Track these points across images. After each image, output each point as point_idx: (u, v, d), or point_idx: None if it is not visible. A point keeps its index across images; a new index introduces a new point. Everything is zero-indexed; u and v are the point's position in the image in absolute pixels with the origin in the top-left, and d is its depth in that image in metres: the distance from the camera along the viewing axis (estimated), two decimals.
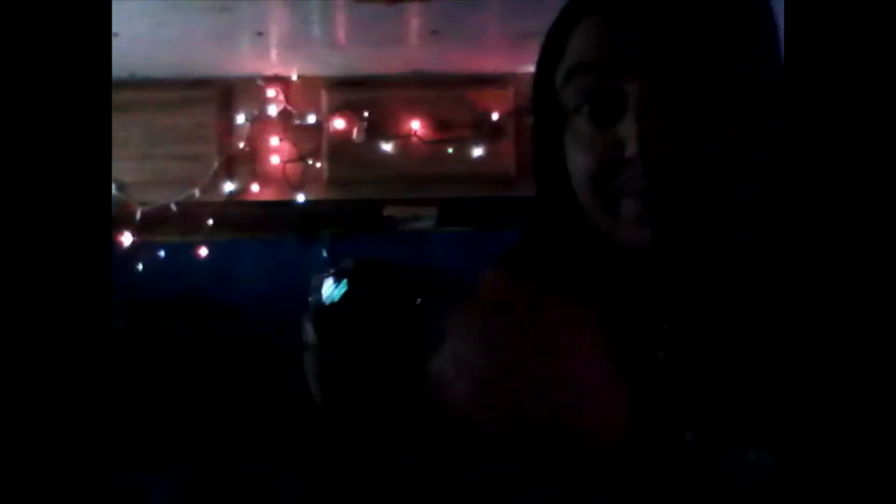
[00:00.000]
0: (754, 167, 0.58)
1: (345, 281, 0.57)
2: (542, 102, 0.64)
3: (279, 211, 2.38)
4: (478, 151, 2.34)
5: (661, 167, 0.56)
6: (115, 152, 1.98)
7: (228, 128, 2.37)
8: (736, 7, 0.58)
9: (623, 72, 0.56)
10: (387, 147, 2.35)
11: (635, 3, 0.57)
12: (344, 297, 0.57)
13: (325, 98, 2.36)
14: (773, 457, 0.51)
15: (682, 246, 0.58)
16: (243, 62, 2.26)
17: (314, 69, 2.31)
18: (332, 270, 0.57)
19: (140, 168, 2.31)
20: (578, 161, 0.61)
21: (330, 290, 0.57)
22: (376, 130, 2.35)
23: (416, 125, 2.35)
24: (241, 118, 2.36)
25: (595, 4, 0.59)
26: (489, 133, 2.35)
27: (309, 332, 0.59)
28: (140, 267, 2.34)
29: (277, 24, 2.03)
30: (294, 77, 2.32)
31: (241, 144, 2.35)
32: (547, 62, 0.63)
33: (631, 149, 0.56)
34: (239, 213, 2.39)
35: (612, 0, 0.58)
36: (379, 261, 0.58)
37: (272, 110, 2.34)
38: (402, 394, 0.59)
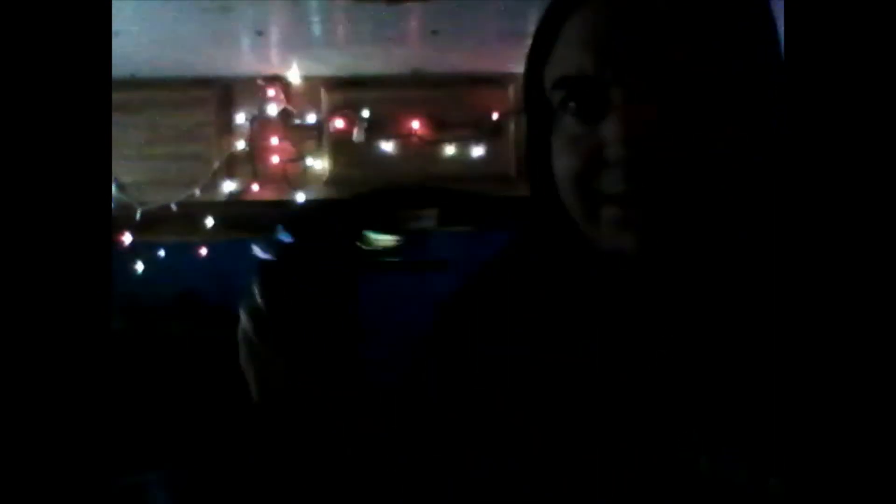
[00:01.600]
0: (751, 168, 0.56)
1: (283, 237, 0.57)
2: (532, 100, 0.62)
3: (279, 211, 2.38)
4: (478, 151, 2.34)
5: (644, 171, 0.53)
6: (116, 152, 1.98)
7: (228, 128, 2.37)
8: (732, 5, 0.56)
9: (609, 70, 0.54)
10: (387, 147, 2.35)
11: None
12: (283, 251, 0.57)
13: (325, 98, 2.36)
14: (776, 472, 0.50)
15: (668, 252, 0.56)
16: (243, 62, 2.25)
17: (314, 69, 2.31)
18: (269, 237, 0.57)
19: (140, 168, 2.31)
20: (561, 160, 0.58)
21: (269, 247, 0.58)
22: (376, 130, 2.35)
23: (416, 125, 2.35)
24: (241, 118, 2.35)
25: None
26: (489, 133, 2.35)
27: (243, 318, 0.59)
28: (140, 267, 2.34)
29: (277, 24, 2.03)
30: (294, 77, 2.32)
31: (241, 144, 2.35)
32: (536, 58, 0.61)
33: (612, 150, 0.53)
34: (239, 213, 2.39)
35: None
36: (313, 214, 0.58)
37: (272, 110, 2.34)
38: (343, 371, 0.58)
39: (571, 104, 0.57)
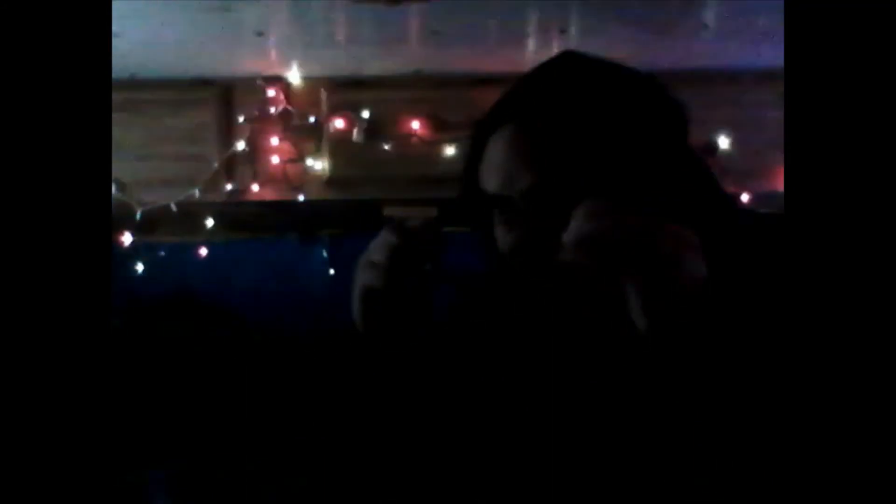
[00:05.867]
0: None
1: None
2: (469, 194, 0.76)
3: (279, 211, 2.38)
4: None
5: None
6: (115, 152, 1.98)
7: (228, 128, 2.36)
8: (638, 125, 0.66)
9: (513, 189, 0.68)
10: (387, 147, 2.35)
11: (544, 119, 0.65)
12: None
13: (325, 98, 2.36)
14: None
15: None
16: (243, 62, 2.25)
17: (314, 69, 2.31)
18: None
19: (140, 168, 2.31)
20: (502, 239, 0.71)
21: None
22: (376, 130, 2.35)
23: (416, 125, 2.35)
24: (241, 118, 2.35)
25: (510, 115, 0.69)
26: None
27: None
28: (140, 267, 2.34)
29: (277, 24, 2.02)
30: (294, 77, 2.32)
31: (241, 144, 2.35)
32: (472, 158, 0.74)
33: (512, 256, 0.66)
34: (239, 213, 2.39)
35: (525, 114, 0.68)
36: None
37: (272, 110, 2.34)
38: None
39: (497, 213, 0.71)
